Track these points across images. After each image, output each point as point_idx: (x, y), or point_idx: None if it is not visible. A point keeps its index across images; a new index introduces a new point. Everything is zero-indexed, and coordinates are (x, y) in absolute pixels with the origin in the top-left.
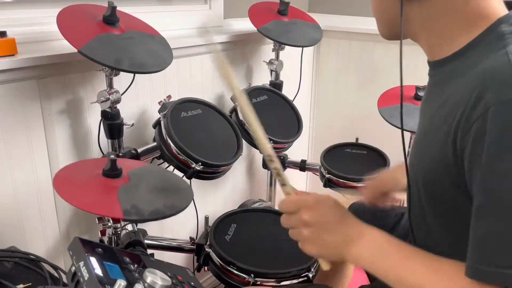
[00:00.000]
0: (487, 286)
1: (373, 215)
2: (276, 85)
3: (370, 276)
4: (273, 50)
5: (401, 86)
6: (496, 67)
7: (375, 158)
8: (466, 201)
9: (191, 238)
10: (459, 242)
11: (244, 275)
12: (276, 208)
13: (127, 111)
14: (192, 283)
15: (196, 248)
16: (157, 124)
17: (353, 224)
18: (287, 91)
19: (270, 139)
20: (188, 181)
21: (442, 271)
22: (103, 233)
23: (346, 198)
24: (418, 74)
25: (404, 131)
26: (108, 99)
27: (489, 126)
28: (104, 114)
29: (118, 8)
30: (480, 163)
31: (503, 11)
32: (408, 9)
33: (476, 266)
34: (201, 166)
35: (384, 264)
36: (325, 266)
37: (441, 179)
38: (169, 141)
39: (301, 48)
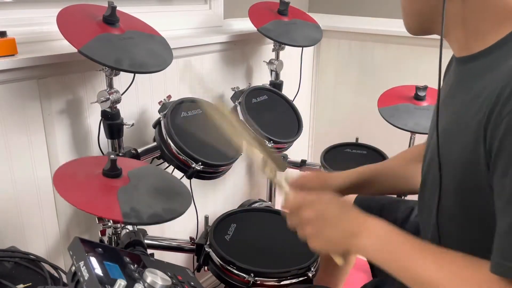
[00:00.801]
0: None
1: (381, 208)
2: (276, 85)
3: (373, 272)
4: (273, 50)
5: (439, 84)
6: None
7: (375, 158)
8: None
9: (191, 238)
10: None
11: (244, 275)
12: (276, 208)
13: (127, 111)
14: (192, 283)
15: (196, 248)
16: (157, 124)
17: (354, 216)
18: (287, 91)
19: (270, 139)
20: (188, 181)
21: (455, 263)
22: (103, 233)
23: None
24: (418, 74)
25: (404, 131)
26: (108, 99)
27: None
28: (104, 114)
29: (118, 8)
30: (508, 156)
31: None
32: (449, 5)
33: (499, 261)
34: (201, 166)
35: (391, 255)
36: (338, 261)
37: (470, 178)
38: (169, 141)
39: (301, 48)
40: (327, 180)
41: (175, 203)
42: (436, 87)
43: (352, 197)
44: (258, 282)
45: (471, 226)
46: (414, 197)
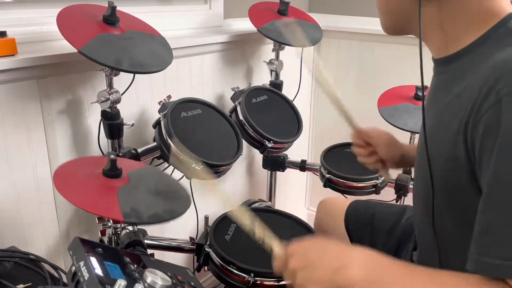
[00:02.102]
0: (491, 282)
1: (372, 214)
2: (276, 85)
3: None
4: (273, 50)
5: (422, 85)
6: (507, 58)
7: None
8: (478, 197)
9: (191, 238)
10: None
11: (244, 275)
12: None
13: (127, 111)
14: (192, 283)
15: (196, 248)
16: (157, 124)
17: (336, 251)
18: (287, 91)
19: (270, 139)
20: (188, 180)
21: (447, 283)
22: (103, 233)
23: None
24: (418, 74)
25: (404, 131)
26: (108, 99)
27: (504, 116)
28: (104, 114)
29: (118, 8)
30: (491, 152)
31: (510, 9)
32: (425, 8)
33: (478, 258)
34: (201, 166)
35: (378, 280)
36: None
37: (454, 177)
38: (169, 141)
39: (301, 48)
40: (394, 141)
41: (175, 204)
42: None
43: (346, 202)
44: (258, 282)
45: (463, 227)
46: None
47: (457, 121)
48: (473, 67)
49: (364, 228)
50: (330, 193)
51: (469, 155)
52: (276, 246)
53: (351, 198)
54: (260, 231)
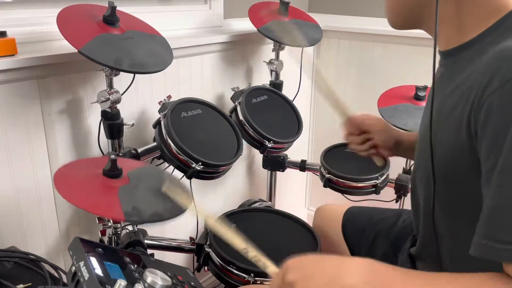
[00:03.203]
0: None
1: (368, 219)
2: (276, 85)
3: None
4: (273, 50)
5: (434, 76)
6: (510, 47)
7: None
8: (479, 184)
9: (191, 238)
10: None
11: (244, 275)
12: (276, 208)
13: (127, 111)
14: (192, 283)
15: (196, 248)
16: (157, 124)
17: (333, 262)
18: (287, 91)
19: (270, 139)
20: (188, 181)
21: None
22: (103, 233)
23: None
24: (418, 74)
25: (404, 131)
26: (108, 99)
27: (507, 101)
28: (104, 114)
29: (118, 8)
30: (494, 137)
31: None
32: (444, 3)
33: (481, 242)
34: (201, 166)
35: (377, 285)
36: None
37: (457, 167)
38: (169, 141)
39: (301, 48)
40: (388, 125)
41: (175, 203)
42: None
43: (343, 208)
44: (258, 282)
45: (463, 220)
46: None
47: (461, 108)
48: (476, 58)
49: (361, 233)
50: (330, 193)
51: (471, 141)
52: (270, 265)
53: (348, 204)
54: (253, 251)
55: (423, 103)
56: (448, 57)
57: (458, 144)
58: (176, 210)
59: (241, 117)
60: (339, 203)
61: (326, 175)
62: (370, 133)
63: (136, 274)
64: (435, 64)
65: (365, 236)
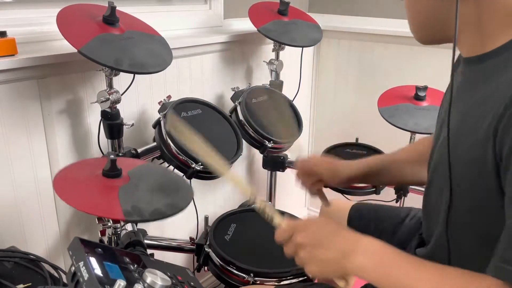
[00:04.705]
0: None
1: (376, 214)
2: (276, 85)
3: None
4: (273, 50)
5: (451, 84)
6: None
7: None
8: (500, 203)
9: (191, 238)
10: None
11: (244, 275)
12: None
13: (127, 111)
14: (192, 283)
15: (196, 248)
16: (157, 124)
17: (347, 236)
18: (287, 91)
19: (270, 139)
20: (188, 181)
21: (457, 278)
22: (103, 233)
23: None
24: (418, 75)
25: (404, 131)
26: (108, 99)
27: None
28: (104, 114)
29: (118, 8)
30: None
31: None
32: (463, 4)
33: (499, 265)
34: (201, 166)
35: (386, 270)
36: (341, 284)
37: (477, 182)
38: (169, 141)
39: (301, 48)
40: (337, 167)
41: (177, 198)
42: (436, 87)
43: (348, 204)
44: (258, 282)
45: (481, 236)
46: (411, 203)
47: (487, 123)
48: (503, 70)
49: (368, 229)
50: (330, 193)
51: (495, 158)
52: (277, 217)
53: (353, 200)
54: (260, 201)
55: (423, 103)
56: (473, 64)
57: (481, 159)
58: (177, 206)
59: (241, 117)
60: None
61: None
62: (320, 175)
63: (136, 274)
64: (453, 73)
65: (371, 233)
